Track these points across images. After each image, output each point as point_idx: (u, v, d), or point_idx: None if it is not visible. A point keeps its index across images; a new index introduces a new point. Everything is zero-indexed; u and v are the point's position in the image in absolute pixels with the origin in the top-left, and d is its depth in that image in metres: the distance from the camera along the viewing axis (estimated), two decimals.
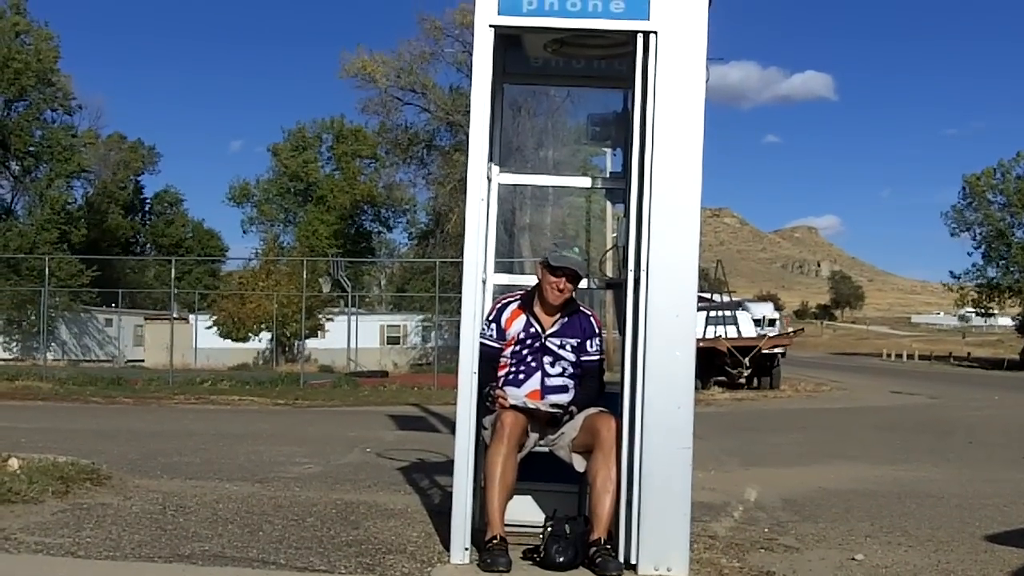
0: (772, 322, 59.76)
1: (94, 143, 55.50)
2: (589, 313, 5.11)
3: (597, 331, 5.08)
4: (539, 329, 4.97)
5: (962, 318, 77.05)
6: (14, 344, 43.22)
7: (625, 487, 4.57)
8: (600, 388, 5.09)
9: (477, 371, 4.73)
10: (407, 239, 64.28)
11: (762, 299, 70.46)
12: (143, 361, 41.51)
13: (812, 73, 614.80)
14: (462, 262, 4.77)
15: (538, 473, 5.02)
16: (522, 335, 4.96)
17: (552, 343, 4.97)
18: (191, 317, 42.38)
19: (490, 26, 4.67)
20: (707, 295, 27.95)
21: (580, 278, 4.95)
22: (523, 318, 4.98)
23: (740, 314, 29.86)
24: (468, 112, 4.78)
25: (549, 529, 4.64)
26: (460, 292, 4.79)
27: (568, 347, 4.98)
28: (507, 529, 4.68)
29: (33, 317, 40.62)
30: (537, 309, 4.99)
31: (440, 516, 5.55)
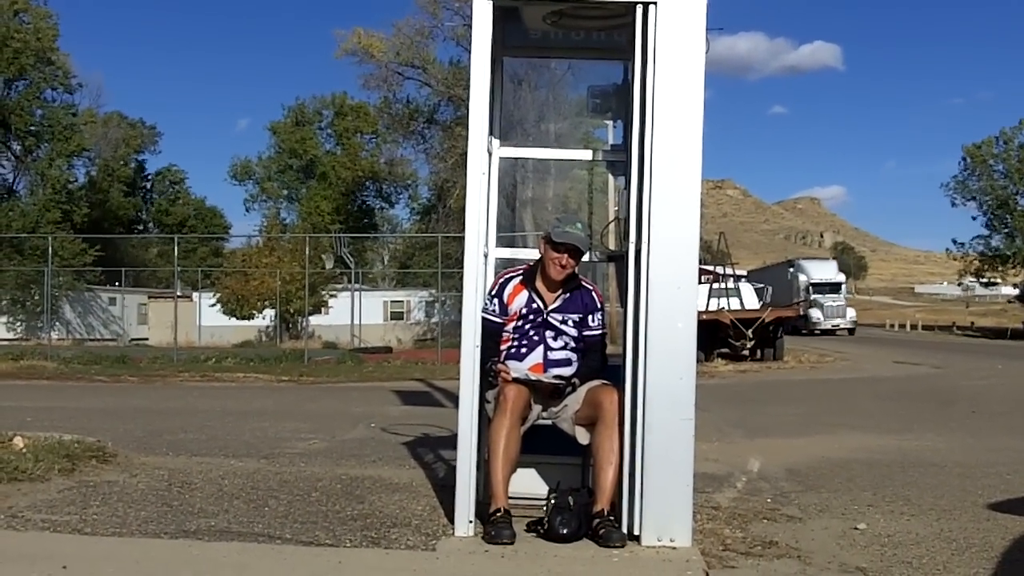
0: (836, 287, 51.55)
1: (94, 122, 55.36)
2: (591, 287, 5.11)
3: (599, 305, 5.09)
4: (541, 305, 4.97)
5: (965, 287, 75.89)
6: (19, 324, 43.31)
7: (628, 459, 4.59)
8: (603, 361, 5.10)
9: (480, 345, 4.74)
10: (409, 214, 64.30)
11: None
12: (147, 339, 41.64)
13: (820, 43, 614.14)
14: (464, 237, 4.77)
15: (541, 446, 5.03)
16: (524, 311, 4.97)
17: (554, 318, 4.98)
18: (195, 295, 42.44)
19: None
20: (710, 267, 27.86)
21: (583, 253, 4.95)
22: (525, 294, 4.98)
23: (743, 285, 29.77)
24: (468, 86, 4.77)
25: (552, 501, 4.66)
26: (463, 267, 4.79)
27: (570, 322, 4.99)
28: (511, 501, 4.70)
29: (37, 297, 40.68)
30: (539, 284, 4.99)
31: (444, 489, 5.57)
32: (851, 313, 52.02)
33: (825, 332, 49.08)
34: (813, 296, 50.20)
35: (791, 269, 53.01)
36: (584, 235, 4.93)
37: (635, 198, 4.66)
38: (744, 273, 46.16)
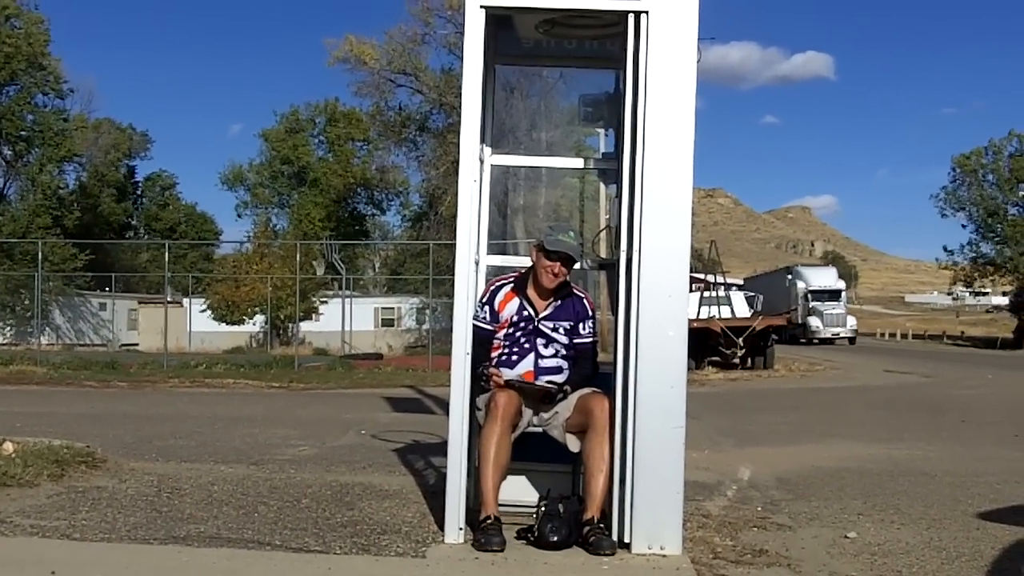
0: (835, 294, 49.32)
1: (85, 127, 55.24)
2: (582, 295, 5.11)
3: (590, 313, 5.09)
4: (532, 312, 4.98)
5: (955, 296, 75.31)
6: (8, 329, 43.11)
7: (618, 466, 4.59)
8: (594, 369, 5.09)
9: (470, 353, 4.74)
10: (401, 221, 64.32)
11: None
12: (137, 345, 41.51)
13: (812, 53, 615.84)
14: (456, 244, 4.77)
15: (532, 453, 5.03)
16: (515, 318, 4.97)
17: (545, 326, 4.98)
18: (185, 301, 42.37)
19: (481, 7, 4.65)
20: (701, 275, 27.89)
21: (575, 262, 4.96)
22: (516, 301, 4.99)
23: (734, 294, 29.81)
24: (460, 94, 4.78)
25: (543, 508, 4.66)
26: (454, 274, 4.79)
27: (561, 330, 5.00)
28: (501, 509, 4.70)
29: (27, 302, 40.50)
30: (531, 292, 5.00)
31: (435, 496, 5.57)
32: (851, 321, 50.19)
33: (824, 341, 47.66)
34: (812, 304, 48.50)
35: (789, 276, 51.36)
36: (577, 244, 4.94)
37: (626, 206, 4.66)
38: (740, 281, 45.56)
